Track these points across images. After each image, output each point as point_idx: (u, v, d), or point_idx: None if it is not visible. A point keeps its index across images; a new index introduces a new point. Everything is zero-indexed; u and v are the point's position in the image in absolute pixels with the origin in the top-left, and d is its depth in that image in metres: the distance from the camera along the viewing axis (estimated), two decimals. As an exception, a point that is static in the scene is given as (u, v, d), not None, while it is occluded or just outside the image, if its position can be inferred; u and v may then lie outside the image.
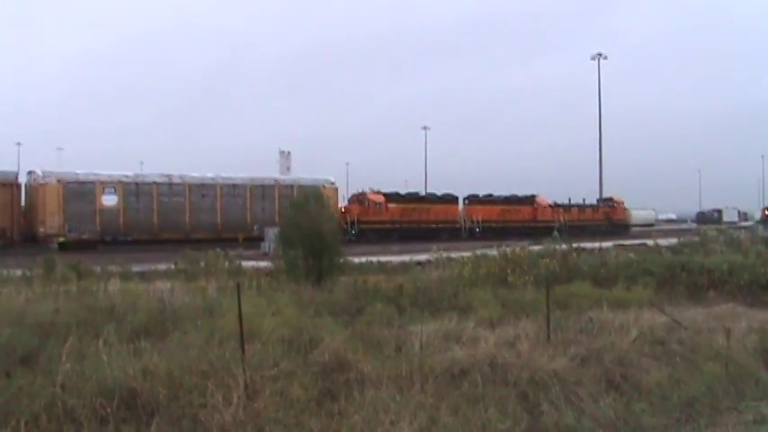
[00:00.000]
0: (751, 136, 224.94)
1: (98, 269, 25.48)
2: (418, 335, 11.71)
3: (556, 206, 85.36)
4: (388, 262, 33.15)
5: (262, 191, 60.09)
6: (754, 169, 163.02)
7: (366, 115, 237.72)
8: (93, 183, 52.91)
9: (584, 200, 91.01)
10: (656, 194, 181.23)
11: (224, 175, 60.15)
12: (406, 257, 35.31)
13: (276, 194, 59.47)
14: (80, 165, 74.46)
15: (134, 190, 54.53)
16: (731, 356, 12.14)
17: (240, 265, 28.24)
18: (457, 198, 77.56)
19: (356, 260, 29.49)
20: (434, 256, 30.84)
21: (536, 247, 27.83)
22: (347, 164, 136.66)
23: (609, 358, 11.68)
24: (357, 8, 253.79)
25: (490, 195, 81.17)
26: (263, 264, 28.74)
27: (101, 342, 9.94)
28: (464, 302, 16.83)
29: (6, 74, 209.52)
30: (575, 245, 29.96)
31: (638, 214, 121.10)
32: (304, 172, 68.48)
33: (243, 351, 9.75)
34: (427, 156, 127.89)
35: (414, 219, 70.37)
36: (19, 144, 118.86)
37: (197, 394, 8.44)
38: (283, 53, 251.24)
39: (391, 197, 69.75)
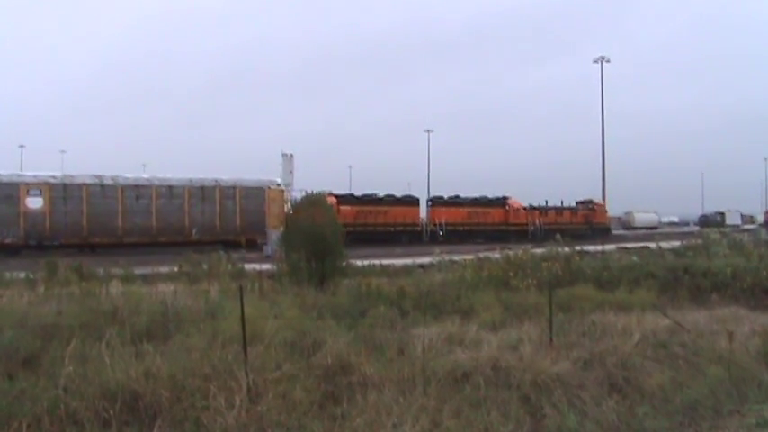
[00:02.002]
0: (754, 139, 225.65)
1: (101, 272, 25.46)
2: (421, 338, 11.72)
3: (531, 208, 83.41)
4: (390, 265, 33.14)
5: (201, 193, 56.67)
6: (756, 172, 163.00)
7: (372, 118, 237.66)
8: (16, 184, 50.11)
9: (561, 202, 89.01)
10: (659, 197, 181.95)
11: (160, 176, 56.90)
12: (408, 260, 35.34)
13: (217, 196, 56.96)
14: (81, 167, 74.21)
15: (61, 192, 51.38)
16: (734, 359, 12.11)
17: (243, 267, 28.22)
18: (418, 200, 75.76)
19: (359, 263, 29.48)
20: (437, 259, 30.83)
21: (539, 250, 27.77)
22: (350, 167, 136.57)
23: (612, 361, 11.67)
24: (366, 11, 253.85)
25: (457, 197, 79.36)
26: (265, 266, 28.72)
27: (103, 345, 9.96)
28: (467, 305, 16.84)
29: (15, 77, 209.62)
30: (577, 248, 29.91)
31: (641, 217, 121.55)
32: (307, 175, 67.52)
33: (245, 354, 9.75)
34: (432, 159, 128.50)
35: (370, 222, 67.97)
36: (22, 146, 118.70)
37: (199, 397, 8.45)
38: (291, 57, 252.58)
39: (344, 199, 66.13)
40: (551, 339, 12.45)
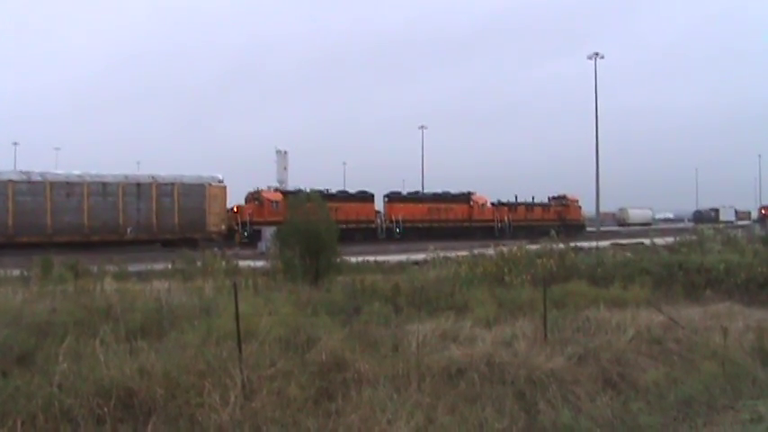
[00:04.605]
0: (748, 135, 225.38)
1: (95, 269, 25.45)
2: (415, 334, 11.71)
3: (499, 204, 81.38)
4: (385, 261, 33.19)
5: (136, 190, 54.52)
6: (751, 168, 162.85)
7: (370, 116, 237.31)
8: None
9: (533, 198, 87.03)
10: (653, 194, 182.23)
11: (93, 172, 54.90)
12: (403, 257, 35.36)
13: (153, 194, 54.86)
14: (77, 165, 73.90)
15: None
16: (728, 355, 12.17)
17: (237, 264, 28.23)
18: (373, 196, 71.97)
19: (353, 260, 29.53)
20: (431, 255, 30.86)
21: (533, 246, 27.81)
22: (344, 164, 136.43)
23: (606, 357, 11.70)
24: (369, 12, 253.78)
25: (416, 193, 77.98)
26: (259, 263, 28.74)
27: (98, 342, 9.94)
28: (461, 302, 16.82)
29: (15, 75, 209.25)
30: (572, 244, 29.96)
31: (635, 213, 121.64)
32: (301, 173, 66.60)
33: (240, 351, 9.75)
34: (431, 157, 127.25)
35: None
36: (16, 144, 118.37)
37: (194, 394, 8.44)
38: (293, 55, 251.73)
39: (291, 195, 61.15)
40: (546, 335, 12.47)
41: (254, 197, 64.85)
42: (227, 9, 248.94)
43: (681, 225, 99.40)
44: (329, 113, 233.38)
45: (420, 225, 71.37)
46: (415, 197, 76.17)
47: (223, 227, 57.53)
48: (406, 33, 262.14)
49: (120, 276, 23.36)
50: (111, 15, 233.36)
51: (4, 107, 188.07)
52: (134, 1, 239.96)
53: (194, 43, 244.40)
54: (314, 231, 22.33)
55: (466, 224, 74.65)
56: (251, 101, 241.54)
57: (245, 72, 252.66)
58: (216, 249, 32.23)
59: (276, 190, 65.46)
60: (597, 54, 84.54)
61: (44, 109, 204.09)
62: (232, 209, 61.65)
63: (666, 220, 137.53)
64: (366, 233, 65.41)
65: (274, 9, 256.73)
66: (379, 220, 70.66)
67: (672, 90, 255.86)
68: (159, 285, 18.15)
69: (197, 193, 56.52)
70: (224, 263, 27.70)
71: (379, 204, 72.29)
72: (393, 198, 73.66)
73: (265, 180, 70.52)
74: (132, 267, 27.63)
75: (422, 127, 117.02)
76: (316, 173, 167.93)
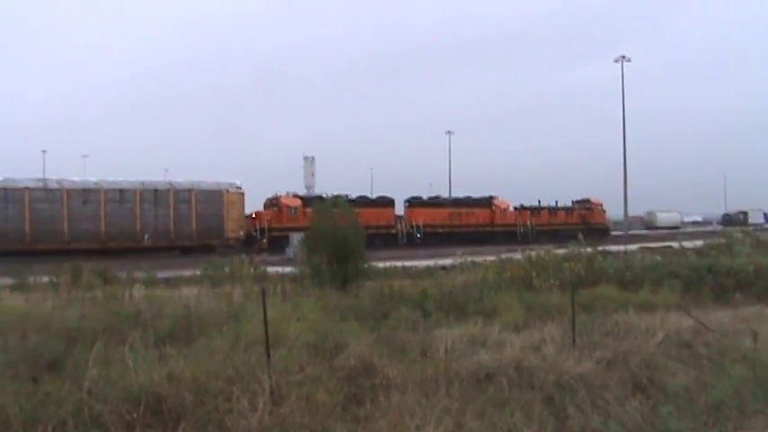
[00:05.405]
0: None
1: (123, 275, 25.60)
2: (443, 339, 11.69)
3: (522, 209, 79.92)
4: (412, 267, 33.16)
5: (154, 197, 54.61)
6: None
7: (397, 121, 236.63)
8: None
9: (556, 202, 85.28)
10: (681, 197, 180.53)
11: (110, 179, 54.95)
12: (430, 262, 35.32)
13: (171, 200, 54.92)
14: (104, 173, 74.09)
15: (2, 196, 49.54)
16: (758, 359, 12.03)
17: (265, 270, 28.30)
18: (393, 201, 70.83)
19: (381, 265, 29.52)
20: (458, 260, 30.80)
21: (560, 251, 27.69)
22: (371, 169, 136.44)
23: (635, 361, 11.62)
24: (397, 16, 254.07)
25: (437, 197, 76.84)
26: (287, 269, 28.80)
27: (127, 348, 9.99)
28: (489, 306, 16.81)
29: (44, 84, 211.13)
30: (599, 248, 29.80)
31: (663, 217, 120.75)
32: (329, 178, 66.34)
33: (268, 356, 9.77)
34: (458, 161, 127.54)
35: None
36: (44, 152, 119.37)
37: (223, 399, 8.46)
38: (321, 61, 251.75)
39: (310, 201, 58.08)
40: (574, 340, 12.41)
41: (273, 203, 64.43)
42: (255, 16, 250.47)
43: (709, 228, 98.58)
44: (357, 119, 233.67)
45: (441, 230, 70.75)
46: (436, 202, 75.49)
47: (241, 233, 57.58)
48: (435, 38, 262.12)
49: (149, 283, 23.46)
50: (141, 24, 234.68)
51: (33, 115, 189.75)
52: (164, 9, 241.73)
53: (223, 50, 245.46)
54: (341, 237, 22.36)
55: (488, 229, 73.77)
56: (280, 107, 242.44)
57: (274, 78, 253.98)
58: (243, 256, 32.25)
59: (295, 196, 65.05)
60: (624, 57, 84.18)
61: (73, 117, 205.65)
62: (251, 215, 61.49)
63: (695, 224, 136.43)
64: (386, 238, 64.34)
65: (303, 16, 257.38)
66: (399, 226, 69.89)
67: (700, 93, 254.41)
68: (187, 291, 18.22)
69: (215, 200, 56.61)
70: (252, 269, 27.75)
71: (400, 209, 71.67)
72: (414, 203, 73.15)
73: (293, 186, 70.40)
74: (161, 274, 27.76)
75: (449, 132, 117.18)
76: (343, 178, 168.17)
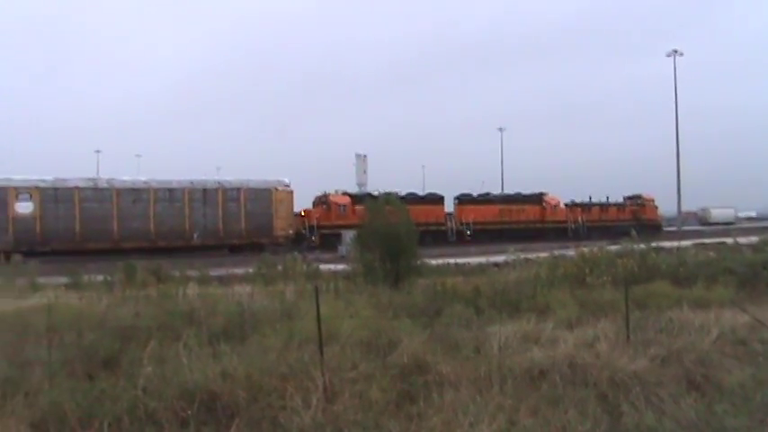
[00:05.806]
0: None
1: (177, 274, 25.80)
2: (497, 336, 11.65)
3: (573, 205, 78.30)
4: (465, 264, 33.06)
5: (203, 195, 54.46)
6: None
7: (452, 118, 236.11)
8: (4, 189, 48.25)
9: (607, 198, 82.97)
10: (736, 192, 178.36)
11: (159, 178, 54.68)
12: (482, 259, 35.19)
13: (219, 199, 54.68)
14: (157, 172, 74.74)
15: (53, 196, 49.45)
16: (817, 356, 11.84)
17: (318, 268, 28.35)
18: (443, 198, 69.82)
19: (433, 262, 29.46)
20: (511, 257, 30.64)
21: (613, 247, 27.44)
22: (423, 166, 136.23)
23: (689, 359, 11.49)
24: (454, 13, 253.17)
25: (487, 194, 75.48)
26: (340, 267, 28.84)
27: (181, 346, 10.08)
28: (542, 303, 16.68)
29: (99, 85, 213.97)
30: (653, 244, 29.46)
31: (717, 213, 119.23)
32: (381, 176, 65.91)
33: (321, 354, 9.77)
34: (511, 157, 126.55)
35: None
36: (98, 152, 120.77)
37: (276, 397, 8.49)
38: (377, 58, 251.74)
39: (359, 198, 58.45)
40: (628, 336, 12.30)
41: (322, 201, 63.91)
42: (309, 14, 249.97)
43: (764, 224, 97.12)
44: (411, 116, 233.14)
45: (491, 227, 69.01)
46: (486, 198, 74.03)
47: (291, 231, 57.31)
48: (487, 35, 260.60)
49: (202, 281, 23.63)
50: (194, 26, 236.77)
51: (88, 116, 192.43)
52: (218, 9, 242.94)
53: (276, 49, 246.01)
54: (394, 234, 22.32)
55: (538, 225, 72.84)
56: (333, 104, 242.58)
57: (328, 76, 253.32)
58: (296, 253, 32.32)
59: (344, 193, 64.63)
60: (676, 51, 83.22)
61: (127, 118, 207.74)
62: (300, 213, 61.27)
63: (750, 219, 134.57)
64: (436, 236, 62.82)
65: (357, 12, 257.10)
66: (449, 223, 68.94)
67: (754, 87, 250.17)
68: (241, 289, 18.30)
69: (263, 198, 56.46)
70: (305, 267, 27.82)
71: (449, 206, 70.89)
72: (463, 200, 71.91)
73: (342, 184, 70.47)
74: (213, 272, 27.93)
75: (500, 129, 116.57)
76: (395, 176, 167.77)
